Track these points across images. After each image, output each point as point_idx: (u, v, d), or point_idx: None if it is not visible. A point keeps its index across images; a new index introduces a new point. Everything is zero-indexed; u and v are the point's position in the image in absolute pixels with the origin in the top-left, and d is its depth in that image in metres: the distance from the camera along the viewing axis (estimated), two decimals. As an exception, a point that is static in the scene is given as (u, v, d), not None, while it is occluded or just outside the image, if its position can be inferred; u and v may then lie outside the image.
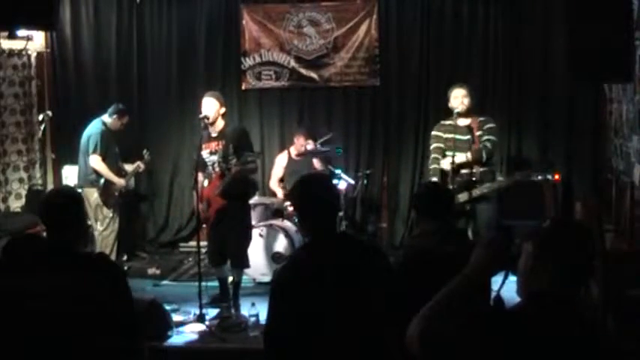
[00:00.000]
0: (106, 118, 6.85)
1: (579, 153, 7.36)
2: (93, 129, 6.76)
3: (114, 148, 6.90)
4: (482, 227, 5.62)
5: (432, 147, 5.93)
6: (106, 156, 6.74)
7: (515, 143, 7.52)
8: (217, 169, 5.65)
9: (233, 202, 5.60)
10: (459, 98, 5.75)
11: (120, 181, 6.87)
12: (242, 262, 5.76)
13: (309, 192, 2.87)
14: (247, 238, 5.84)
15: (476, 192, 5.59)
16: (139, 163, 7.13)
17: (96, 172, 6.70)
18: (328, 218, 2.84)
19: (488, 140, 5.73)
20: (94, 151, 6.66)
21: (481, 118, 5.85)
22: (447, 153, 5.74)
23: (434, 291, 1.96)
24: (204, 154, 5.68)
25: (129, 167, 7.14)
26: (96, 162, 6.69)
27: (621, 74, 4.49)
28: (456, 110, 5.69)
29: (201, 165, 5.72)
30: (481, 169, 5.72)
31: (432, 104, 7.60)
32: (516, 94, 7.52)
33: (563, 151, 7.39)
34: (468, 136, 5.73)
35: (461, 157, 5.62)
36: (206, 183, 5.75)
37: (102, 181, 6.73)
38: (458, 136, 5.68)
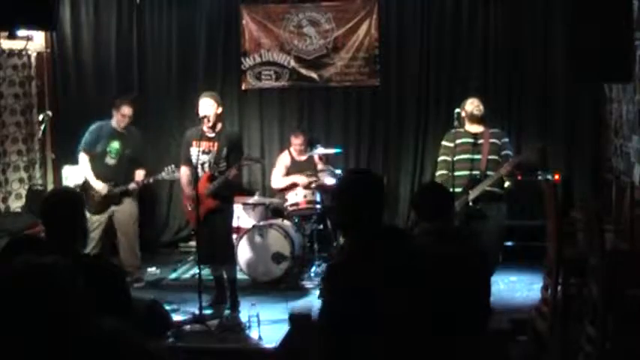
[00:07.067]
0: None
1: (579, 153, 7.36)
2: (91, 125, 6.50)
3: (104, 146, 6.37)
4: (492, 228, 5.58)
5: (439, 159, 5.86)
6: (91, 154, 6.34)
7: (515, 143, 7.50)
8: (207, 170, 5.64)
9: (223, 203, 5.69)
10: (475, 103, 5.78)
11: (99, 188, 6.33)
12: (233, 258, 6.01)
13: (361, 189, 2.68)
14: (232, 236, 6.12)
15: (478, 190, 5.58)
16: (137, 181, 6.54)
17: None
18: (378, 215, 2.67)
19: (507, 155, 5.75)
20: (81, 147, 6.38)
21: (493, 130, 5.81)
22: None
23: (434, 290, 1.95)
24: (193, 150, 5.63)
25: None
26: (80, 158, 6.41)
27: (621, 74, 4.50)
28: (472, 113, 5.71)
29: (186, 160, 5.72)
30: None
31: (432, 104, 7.59)
32: (516, 94, 7.50)
33: (563, 151, 7.38)
34: (474, 140, 5.70)
35: (463, 159, 5.61)
36: (184, 180, 5.77)
37: (81, 182, 6.42)
38: (463, 140, 5.65)
